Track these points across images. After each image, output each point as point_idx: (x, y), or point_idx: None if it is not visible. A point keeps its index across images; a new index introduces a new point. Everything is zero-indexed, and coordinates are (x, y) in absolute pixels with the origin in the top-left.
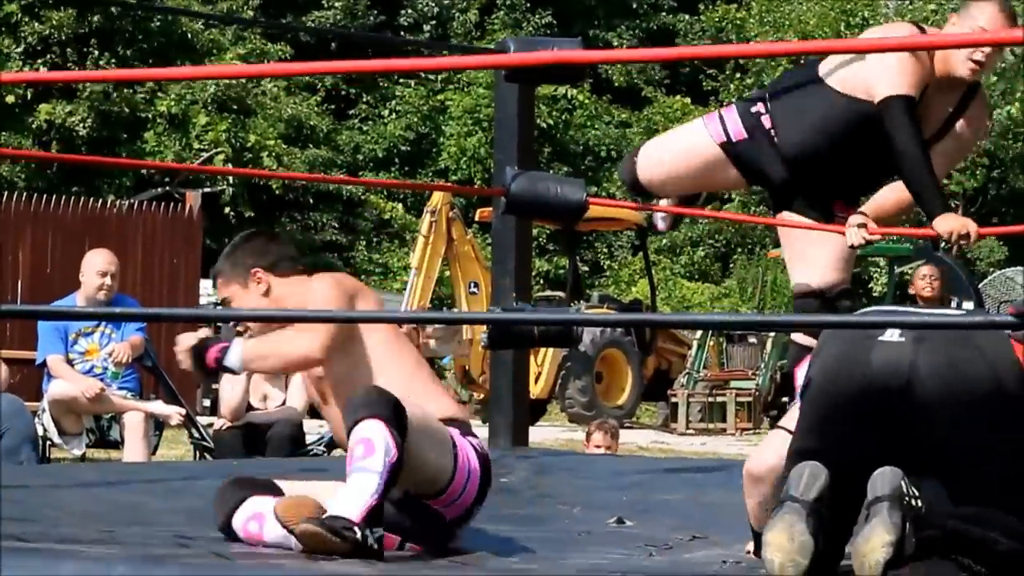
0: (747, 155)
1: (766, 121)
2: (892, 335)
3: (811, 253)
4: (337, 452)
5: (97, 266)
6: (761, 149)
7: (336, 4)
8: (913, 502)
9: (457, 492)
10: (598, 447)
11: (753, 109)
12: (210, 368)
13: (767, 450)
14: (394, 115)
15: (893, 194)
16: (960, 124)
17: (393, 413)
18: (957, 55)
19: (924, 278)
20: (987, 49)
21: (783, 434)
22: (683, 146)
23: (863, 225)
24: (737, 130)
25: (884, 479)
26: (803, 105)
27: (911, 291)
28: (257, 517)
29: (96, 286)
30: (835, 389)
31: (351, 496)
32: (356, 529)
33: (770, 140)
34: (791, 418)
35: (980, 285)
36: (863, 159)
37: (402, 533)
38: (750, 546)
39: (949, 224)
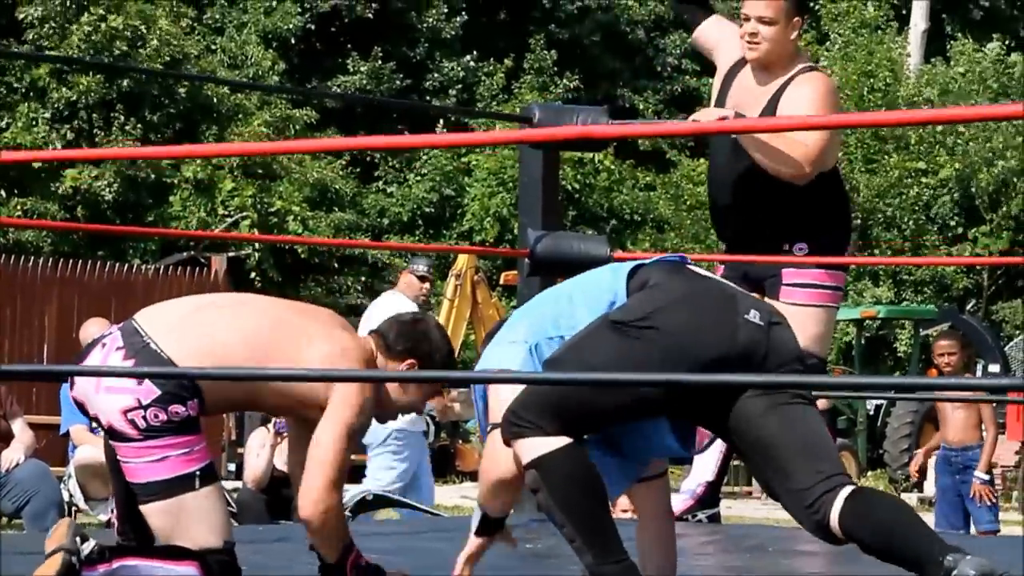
0: None
1: None
2: (755, 317)
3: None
4: (362, 516)
5: (91, 337)
6: None
7: (362, 69)
8: None
9: None
10: (624, 511)
11: None
12: None
13: (502, 456)
14: (419, 178)
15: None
16: (783, 102)
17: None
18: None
19: (943, 355)
20: (750, 27)
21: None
22: None
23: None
24: None
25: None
26: None
27: (934, 360)
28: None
29: None
30: (698, 346)
31: None
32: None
33: None
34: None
35: (1006, 348)
36: None
37: None
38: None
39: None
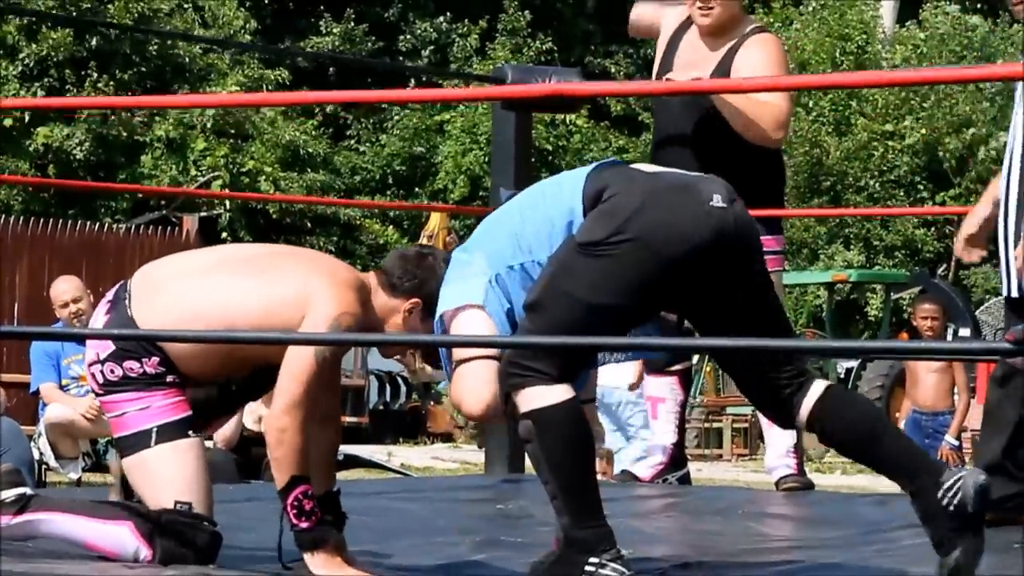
0: None
1: None
2: (717, 201)
3: None
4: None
5: (58, 298)
6: None
7: (334, 31)
8: None
9: None
10: (602, 474)
11: None
12: None
13: (484, 388)
14: (392, 137)
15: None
16: (737, 64)
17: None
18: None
19: (926, 318)
20: None
21: (484, 373)
22: None
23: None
24: None
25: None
26: None
27: (913, 323)
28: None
29: (66, 316)
30: (671, 244)
31: None
32: None
33: None
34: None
35: (977, 312)
36: None
37: None
38: None
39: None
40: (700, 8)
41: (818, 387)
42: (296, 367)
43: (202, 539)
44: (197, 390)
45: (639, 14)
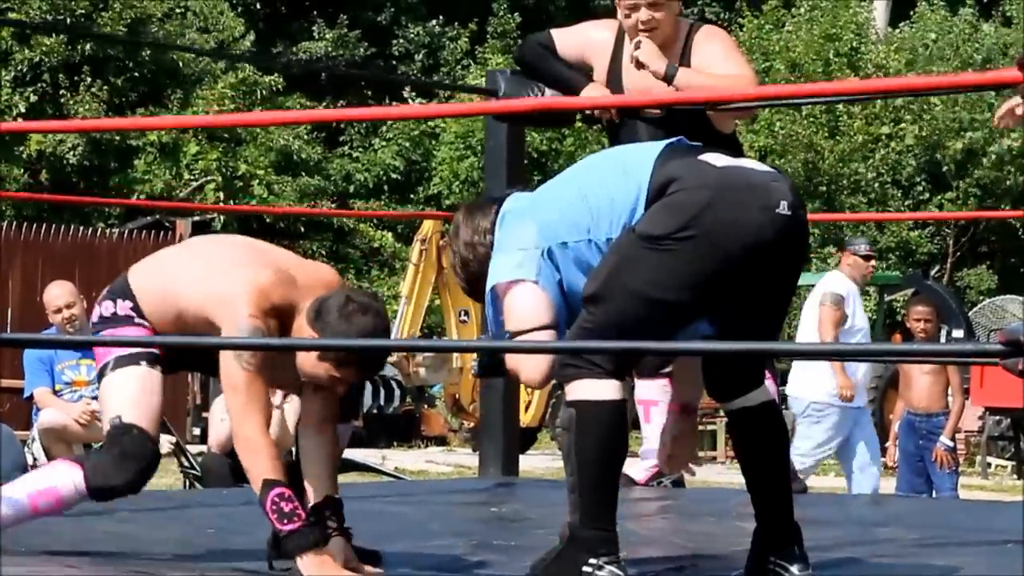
0: None
1: None
2: (784, 208)
3: None
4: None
5: (52, 304)
6: None
7: (327, 36)
8: None
9: None
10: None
11: None
12: None
13: (542, 358)
14: (385, 143)
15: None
16: (695, 64)
17: None
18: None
19: (919, 320)
20: (643, 15)
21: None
22: None
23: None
24: None
25: None
26: None
27: (907, 324)
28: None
29: (59, 322)
30: (735, 244)
31: None
32: None
33: None
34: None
35: (970, 313)
36: None
37: None
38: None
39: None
40: (644, 30)
41: (761, 395)
42: (227, 379)
43: (128, 442)
44: None
45: (563, 55)
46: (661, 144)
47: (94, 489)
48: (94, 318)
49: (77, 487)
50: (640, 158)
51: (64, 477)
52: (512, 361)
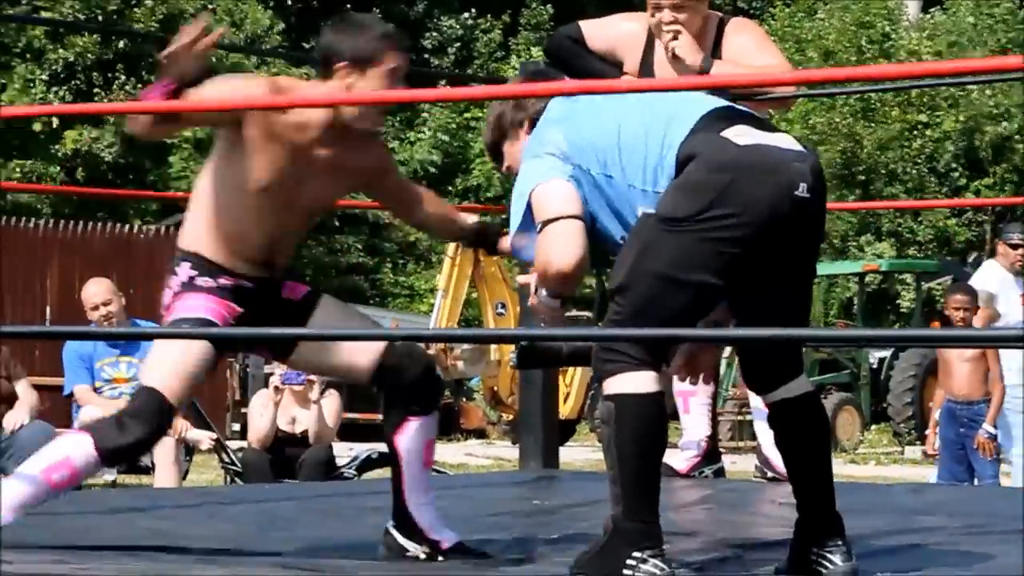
0: None
1: None
2: (803, 191)
3: None
4: (368, 475)
5: (89, 301)
6: None
7: None
8: None
9: None
10: None
11: None
12: None
13: (573, 245)
14: (422, 136)
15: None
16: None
17: None
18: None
19: (958, 309)
20: (667, 16)
21: (571, 231)
22: None
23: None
24: None
25: None
26: None
27: (945, 312)
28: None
29: (97, 319)
30: (753, 223)
31: None
32: None
33: None
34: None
35: None
36: None
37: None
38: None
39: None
40: (668, 33)
41: (801, 386)
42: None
43: (136, 403)
44: None
45: (592, 43)
46: (709, 106)
47: (104, 452)
48: (165, 299)
49: (89, 454)
50: (684, 115)
51: (75, 447)
52: (543, 251)
